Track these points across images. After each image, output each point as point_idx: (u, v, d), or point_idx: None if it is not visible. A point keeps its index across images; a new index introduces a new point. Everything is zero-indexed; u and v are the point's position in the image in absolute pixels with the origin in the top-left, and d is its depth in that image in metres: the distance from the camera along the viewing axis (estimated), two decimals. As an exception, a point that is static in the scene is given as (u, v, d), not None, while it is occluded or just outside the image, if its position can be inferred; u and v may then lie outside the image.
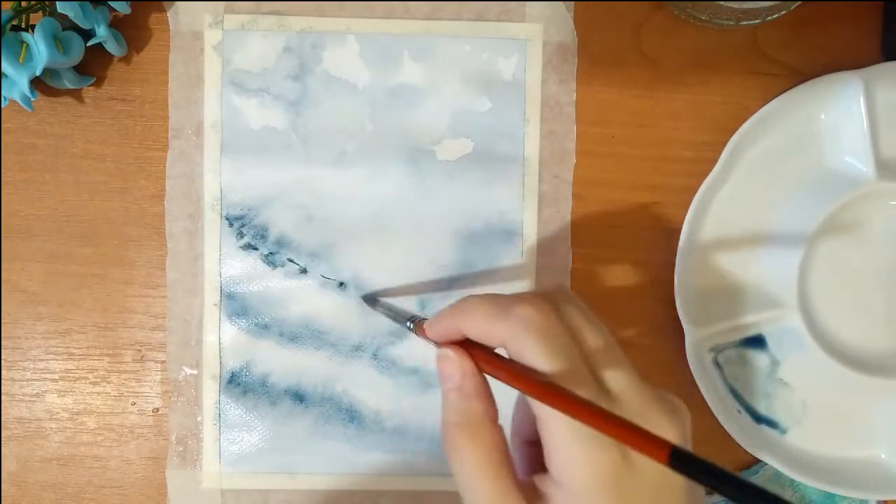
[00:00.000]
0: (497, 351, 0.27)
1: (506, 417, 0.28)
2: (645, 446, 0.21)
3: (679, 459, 0.20)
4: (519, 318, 0.26)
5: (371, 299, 0.39)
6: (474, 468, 0.26)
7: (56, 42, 0.35)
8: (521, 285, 0.39)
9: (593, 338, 0.27)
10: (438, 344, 0.28)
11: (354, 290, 0.39)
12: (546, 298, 0.27)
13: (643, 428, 0.22)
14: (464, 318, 0.27)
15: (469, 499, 0.26)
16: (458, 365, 0.27)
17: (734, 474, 0.19)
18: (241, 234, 0.39)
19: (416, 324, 0.31)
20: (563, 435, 0.24)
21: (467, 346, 0.28)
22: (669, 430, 0.25)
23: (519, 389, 0.25)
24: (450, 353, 0.27)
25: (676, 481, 0.25)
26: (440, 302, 0.39)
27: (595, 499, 0.24)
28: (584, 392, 0.25)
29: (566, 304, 0.28)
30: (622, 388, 0.26)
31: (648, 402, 0.26)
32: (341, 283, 0.39)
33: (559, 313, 0.27)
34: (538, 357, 0.25)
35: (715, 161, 0.38)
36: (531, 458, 0.28)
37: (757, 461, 0.40)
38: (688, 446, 0.26)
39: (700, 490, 0.29)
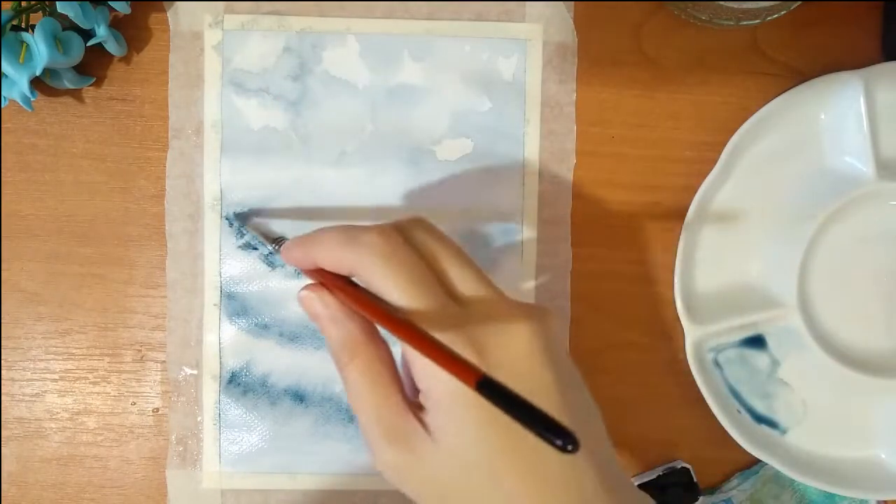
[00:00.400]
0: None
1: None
2: (457, 371, 0.22)
3: (488, 388, 0.21)
4: (365, 244, 0.26)
5: (243, 217, 0.39)
6: (361, 386, 0.27)
7: (56, 42, 0.35)
8: (522, 285, 0.39)
9: (445, 255, 0.28)
10: (303, 271, 0.29)
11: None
12: (395, 227, 0.28)
13: (455, 354, 0.22)
14: (315, 247, 0.28)
15: (361, 419, 0.27)
16: (319, 299, 0.28)
17: (538, 408, 0.19)
18: (241, 234, 0.39)
19: (281, 246, 0.31)
20: (425, 368, 0.25)
21: (324, 275, 0.28)
22: (522, 333, 0.26)
23: (365, 316, 0.26)
24: (307, 291, 0.28)
25: (539, 375, 0.26)
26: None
27: (459, 403, 0.25)
28: (432, 304, 0.25)
29: (415, 229, 0.28)
30: (473, 294, 0.27)
31: (499, 305, 0.27)
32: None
33: (409, 239, 0.27)
34: (384, 280, 0.26)
35: (715, 161, 0.38)
36: None
37: (757, 461, 0.40)
38: (546, 343, 0.26)
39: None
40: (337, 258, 0.27)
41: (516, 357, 0.26)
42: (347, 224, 0.28)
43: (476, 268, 0.28)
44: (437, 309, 0.25)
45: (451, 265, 0.28)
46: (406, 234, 0.28)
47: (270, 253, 0.39)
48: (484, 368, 0.22)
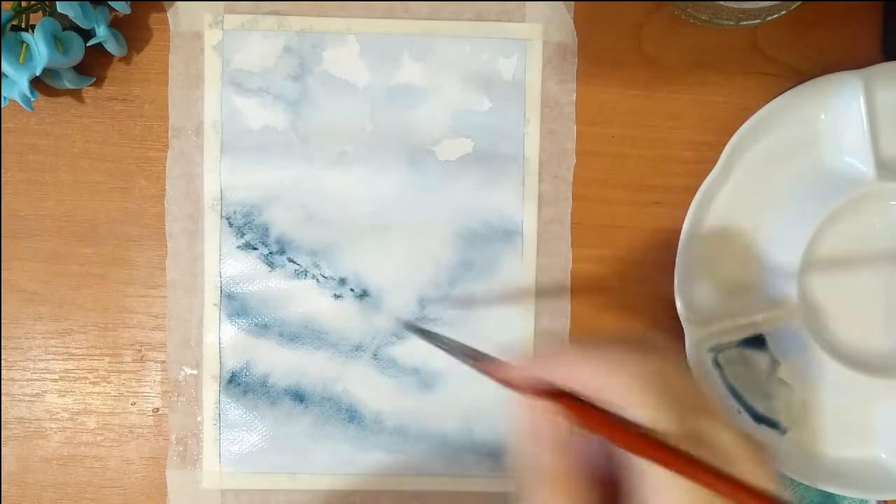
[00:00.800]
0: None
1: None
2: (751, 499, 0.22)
3: None
4: (632, 373, 0.25)
5: (413, 328, 0.39)
6: None
7: (56, 42, 0.35)
8: (521, 285, 0.39)
9: (683, 384, 0.26)
10: (522, 391, 0.27)
11: (354, 290, 0.39)
12: (645, 348, 0.26)
13: (755, 486, 0.22)
14: (565, 375, 0.26)
15: None
16: (552, 420, 0.26)
17: None
18: (241, 234, 0.39)
19: (480, 361, 0.29)
20: (665, 483, 0.24)
21: (557, 394, 0.26)
22: (762, 477, 0.25)
23: (620, 446, 0.24)
24: (550, 406, 0.26)
25: None
26: (440, 302, 0.39)
27: None
28: (687, 445, 0.24)
29: (654, 350, 0.27)
30: (717, 436, 0.25)
31: (741, 448, 0.25)
32: (341, 283, 0.39)
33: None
34: (654, 411, 0.24)
35: (715, 161, 0.38)
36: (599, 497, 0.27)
37: (757, 461, 0.40)
38: (774, 486, 0.25)
39: None
40: (599, 387, 0.25)
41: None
42: (592, 347, 0.26)
43: (708, 399, 0.27)
44: (686, 440, 0.24)
45: (688, 396, 0.26)
46: (651, 353, 0.26)
47: (271, 253, 0.39)
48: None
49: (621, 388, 0.25)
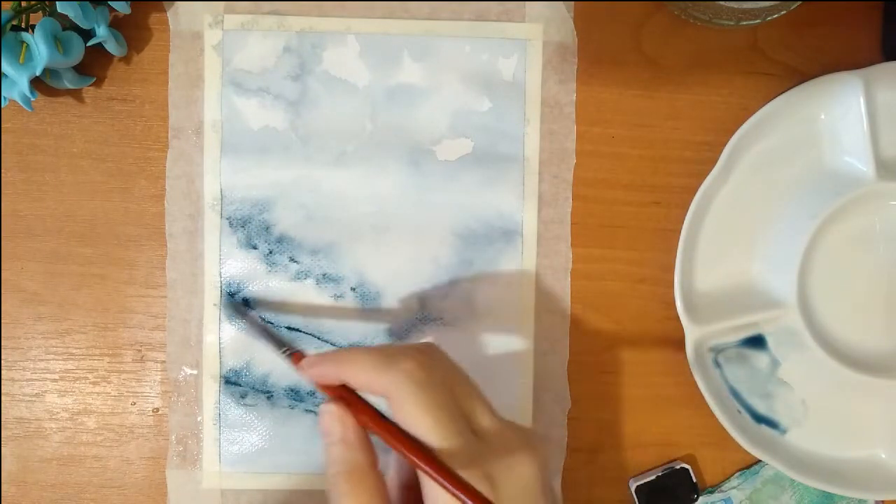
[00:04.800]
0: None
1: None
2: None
3: None
4: (402, 370, 0.28)
5: (237, 309, 0.39)
6: None
7: (56, 42, 0.35)
8: (522, 285, 0.39)
9: (463, 386, 0.29)
10: (317, 385, 0.30)
11: (354, 290, 0.39)
12: (424, 352, 0.29)
13: (476, 491, 0.26)
14: (347, 368, 0.29)
15: None
16: (339, 419, 0.29)
17: None
18: (241, 234, 0.39)
19: (292, 355, 0.33)
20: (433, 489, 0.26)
21: (344, 393, 0.29)
22: (527, 467, 0.28)
23: (388, 441, 0.27)
24: (332, 408, 0.29)
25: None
26: (440, 302, 0.39)
27: None
28: (458, 440, 0.27)
29: (434, 356, 0.30)
30: (487, 427, 0.29)
31: (509, 439, 0.28)
32: (341, 283, 0.39)
33: (432, 367, 0.29)
34: (416, 408, 0.27)
35: (715, 161, 0.38)
36: (408, 501, 0.31)
37: (757, 461, 0.40)
38: (544, 475, 0.29)
39: None
40: (370, 380, 0.28)
41: (522, 490, 0.28)
42: (377, 346, 0.30)
43: (486, 399, 0.30)
44: (461, 444, 0.27)
45: (468, 397, 0.29)
46: (431, 359, 0.29)
47: (271, 253, 0.39)
48: (496, 501, 0.25)
49: (391, 383, 0.28)
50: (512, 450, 0.28)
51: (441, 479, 0.26)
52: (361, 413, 0.29)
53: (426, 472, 0.26)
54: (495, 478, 0.27)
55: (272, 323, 0.39)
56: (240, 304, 0.39)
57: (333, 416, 0.29)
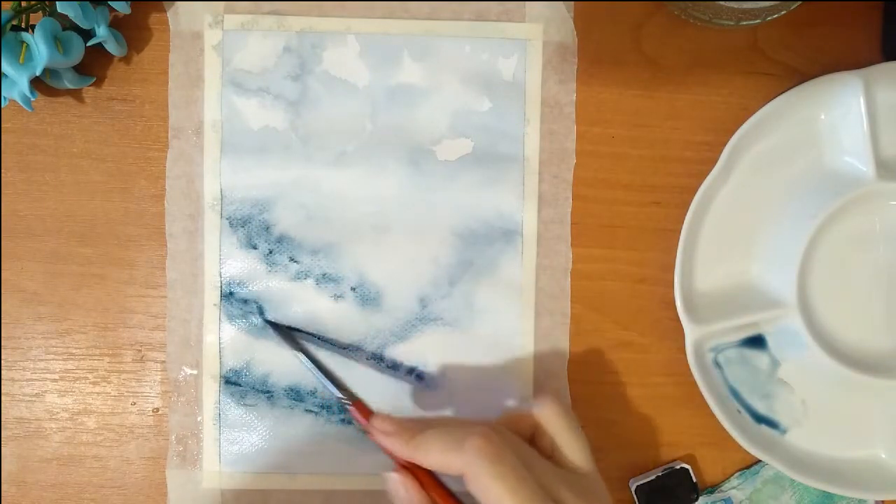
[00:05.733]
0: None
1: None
2: None
3: None
4: (473, 448, 0.30)
5: (285, 333, 0.39)
6: None
7: (56, 42, 0.35)
8: (521, 285, 0.39)
9: (536, 459, 0.31)
10: (384, 451, 0.33)
11: (354, 290, 0.39)
12: (492, 429, 0.31)
13: None
14: (420, 453, 0.31)
15: None
16: (404, 486, 0.31)
17: None
18: (241, 234, 0.39)
19: (353, 405, 0.35)
20: None
21: (417, 469, 0.32)
22: None
23: None
24: (397, 478, 0.31)
25: None
26: (440, 302, 0.39)
27: None
28: None
29: (504, 433, 0.32)
30: (564, 495, 0.30)
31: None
32: (341, 283, 0.39)
33: (504, 442, 0.31)
34: (495, 481, 0.29)
35: (715, 161, 0.38)
36: None
37: (757, 461, 0.40)
38: None
39: None
40: (445, 463, 0.30)
41: None
42: (446, 429, 0.31)
43: (563, 472, 0.32)
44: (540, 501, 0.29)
45: (545, 471, 0.31)
46: (502, 435, 0.31)
47: (271, 252, 0.39)
48: None
49: (465, 462, 0.30)
50: None
51: None
52: (427, 484, 0.31)
53: None
54: None
55: (274, 323, 0.39)
56: (291, 334, 0.39)
57: (398, 484, 0.31)
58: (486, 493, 0.29)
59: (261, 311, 0.39)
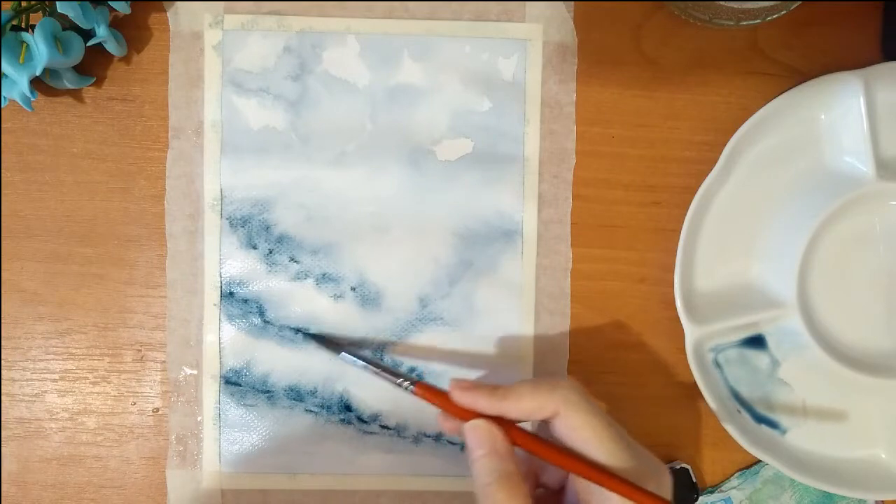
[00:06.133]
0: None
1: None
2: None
3: None
4: (570, 386, 0.31)
5: (332, 343, 0.39)
6: None
7: (56, 42, 0.35)
8: (521, 285, 0.39)
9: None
10: (458, 415, 0.33)
11: (354, 290, 0.39)
12: (573, 379, 0.33)
13: (649, 492, 0.29)
14: (509, 402, 0.32)
15: None
16: (489, 432, 0.31)
17: None
18: (241, 234, 0.39)
19: (417, 386, 0.34)
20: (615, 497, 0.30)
21: (501, 421, 0.32)
22: (668, 475, 0.32)
23: (560, 466, 0.31)
24: (481, 423, 0.32)
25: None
26: (440, 302, 0.39)
27: None
28: (627, 452, 0.30)
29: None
30: (633, 443, 0.32)
31: (648, 454, 0.32)
32: (341, 283, 0.39)
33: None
34: (595, 418, 0.31)
35: (715, 161, 0.38)
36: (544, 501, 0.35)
37: (757, 461, 0.40)
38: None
39: None
40: (539, 404, 0.31)
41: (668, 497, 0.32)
42: (531, 379, 0.34)
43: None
44: (629, 457, 0.30)
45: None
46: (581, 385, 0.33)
47: (271, 252, 0.39)
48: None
49: (560, 400, 0.31)
50: (656, 463, 0.32)
51: (622, 490, 0.29)
52: (513, 432, 0.32)
53: (607, 485, 0.29)
54: (652, 487, 0.30)
55: (272, 322, 0.39)
56: (331, 340, 0.39)
57: (482, 429, 0.32)
58: (577, 430, 0.30)
59: (261, 311, 0.39)
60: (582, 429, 0.30)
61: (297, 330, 0.39)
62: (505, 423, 0.32)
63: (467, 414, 0.32)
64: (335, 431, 0.39)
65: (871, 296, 0.39)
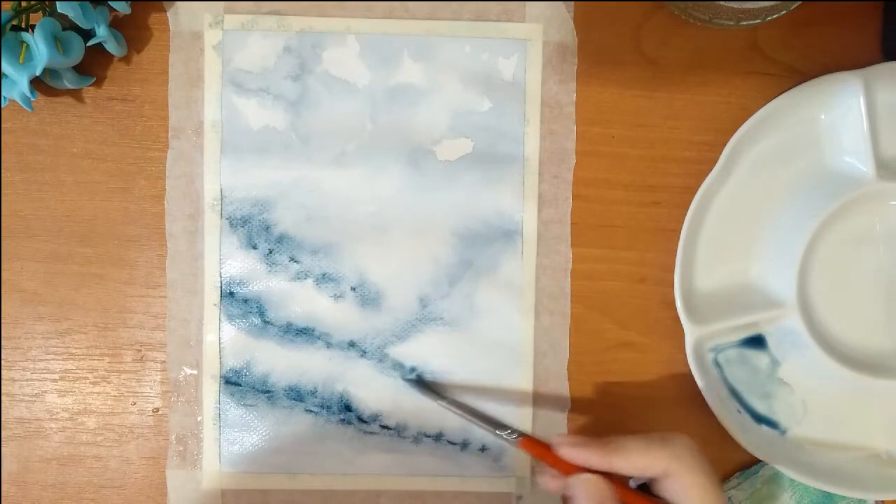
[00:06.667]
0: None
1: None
2: None
3: None
4: (682, 444, 0.31)
5: (433, 391, 0.39)
6: None
7: (56, 42, 0.35)
8: (521, 285, 0.39)
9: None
10: (563, 469, 0.33)
11: (354, 290, 0.39)
12: (684, 434, 0.33)
13: None
14: (619, 457, 0.31)
15: None
16: (599, 488, 0.31)
17: None
18: (241, 234, 0.39)
19: (521, 439, 0.35)
20: None
21: (610, 477, 0.32)
22: None
23: None
24: (592, 477, 0.32)
25: None
26: (440, 302, 0.39)
27: None
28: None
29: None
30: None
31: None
32: (341, 283, 0.39)
33: None
34: (706, 478, 0.30)
35: (715, 161, 0.38)
36: None
37: (757, 461, 0.40)
38: None
39: None
40: (647, 462, 0.31)
41: None
42: (639, 434, 0.32)
43: None
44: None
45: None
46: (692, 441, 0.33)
47: (271, 252, 0.39)
48: None
49: (672, 456, 0.31)
50: None
51: None
52: (620, 489, 0.32)
53: None
54: None
55: (273, 323, 0.39)
56: (432, 387, 0.39)
57: (592, 484, 0.31)
58: (688, 489, 0.30)
59: (261, 311, 0.39)
60: (692, 488, 0.30)
61: (404, 378, 0.39)
62: (612, 478, 0.32)
63: (571, 468, 0.32)
64: (335, 431, 0.39)
65: (871, 296, 0.39)
